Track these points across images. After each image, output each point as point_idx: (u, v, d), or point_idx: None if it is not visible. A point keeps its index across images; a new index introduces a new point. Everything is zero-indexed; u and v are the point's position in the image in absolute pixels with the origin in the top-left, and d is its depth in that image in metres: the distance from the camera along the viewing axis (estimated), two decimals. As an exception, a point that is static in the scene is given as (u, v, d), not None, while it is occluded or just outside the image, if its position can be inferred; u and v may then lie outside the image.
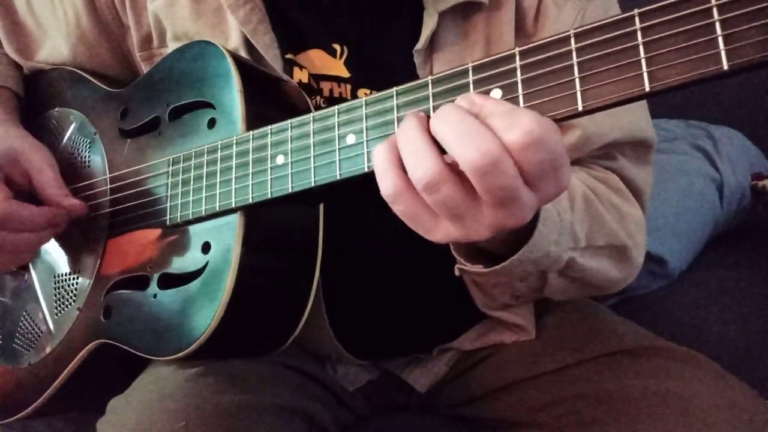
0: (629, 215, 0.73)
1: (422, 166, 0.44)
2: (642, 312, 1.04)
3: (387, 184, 0.46)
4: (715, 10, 0.36)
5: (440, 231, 0.47)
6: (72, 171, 0.78)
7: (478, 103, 0.44)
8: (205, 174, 0.65)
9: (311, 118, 0.57)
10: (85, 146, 0.80)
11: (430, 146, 0.44)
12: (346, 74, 0.73)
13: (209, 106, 0.67)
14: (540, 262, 0.62)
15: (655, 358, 0.72)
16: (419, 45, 0.69)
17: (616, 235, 0.70)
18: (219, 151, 0.64)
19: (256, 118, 0.64)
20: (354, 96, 0.73)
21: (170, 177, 0.68)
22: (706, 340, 0.97)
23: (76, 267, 0.77)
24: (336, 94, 0.73)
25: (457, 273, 0.67)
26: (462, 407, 0.84)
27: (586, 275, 0.69)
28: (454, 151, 0.43)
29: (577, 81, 0.41)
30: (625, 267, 0.73)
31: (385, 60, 0.73)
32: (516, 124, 0.41)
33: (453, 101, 0.46)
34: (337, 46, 0.73)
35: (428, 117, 0.46)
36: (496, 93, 0.46)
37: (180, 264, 0.66)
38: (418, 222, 0.47)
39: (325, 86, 0.73)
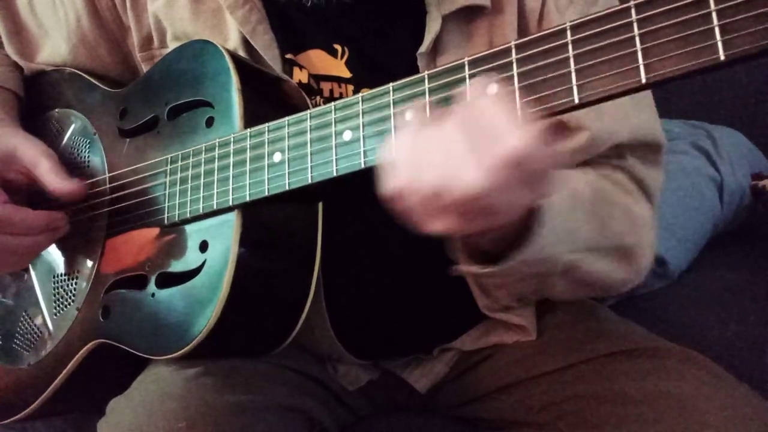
0: (638, 215, 0.71)
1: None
2: (642, 312, 1.03)
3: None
4: (711, 1, 0.36)
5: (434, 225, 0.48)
6: (72, 172, 0.77)
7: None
8: (202, 172, 0.65)
9: (308, 115, 0.57)
10: (85, 147, 0.80)
11: None
12: (347, 75, 0.73)
13: (207, 104, 0.67)
14: (537, 264, 0.61)
15: (655, 358, 0.71)
16: (423, 48, 0.69)
17: (623, 236, 0.69)
18: (216, 149, 0.64)
19: (254, 117, 0.63)
20: None
21: (168, 176, 0.68)
22: (706, 340, 0.96)
23: (74, 267, 0.77)
24: (336, 95, 0.73)
25: (453, 273, 0.65)
26: (462, 407, 0.84)
27: (589, 277, 0.68)
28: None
29: (573, 74, 0.41)
30: (631, 268, 0.72)
31: (386, 61, 0.73)
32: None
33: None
34: (338, 47, 0.73)
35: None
36: (493, 87, 0.45)
37: (178, 263, 0.66)
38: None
39: (326, 86, 0.73)
